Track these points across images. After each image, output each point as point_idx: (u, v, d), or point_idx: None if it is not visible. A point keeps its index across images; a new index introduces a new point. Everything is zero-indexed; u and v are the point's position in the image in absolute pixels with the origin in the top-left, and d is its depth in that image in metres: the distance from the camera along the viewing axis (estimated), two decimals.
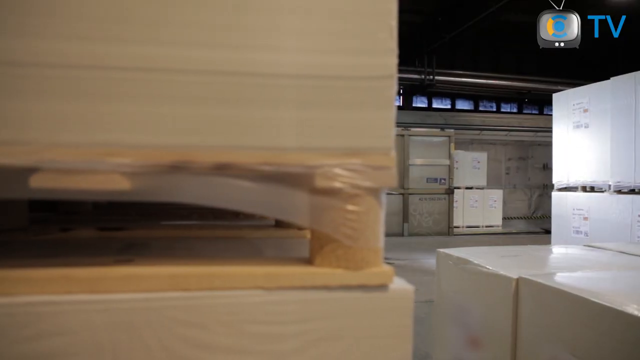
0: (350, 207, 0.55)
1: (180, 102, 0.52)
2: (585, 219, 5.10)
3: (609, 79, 4.86)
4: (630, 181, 4.57)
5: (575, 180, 5.34)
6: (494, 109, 12.94)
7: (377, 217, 0.56)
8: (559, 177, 5.67)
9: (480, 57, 11.84)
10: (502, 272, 1.80)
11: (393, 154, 0.55)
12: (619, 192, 4.74)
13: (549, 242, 5.72)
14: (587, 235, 5.02)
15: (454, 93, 12.43)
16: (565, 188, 5.55)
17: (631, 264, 1.94)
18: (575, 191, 5.37)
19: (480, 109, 12.87)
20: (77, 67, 0.49)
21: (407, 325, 0.57)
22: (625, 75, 4.63)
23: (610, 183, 4.78)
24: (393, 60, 0.55)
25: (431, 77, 10.90)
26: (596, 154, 5.00)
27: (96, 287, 0.51)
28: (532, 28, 10.44)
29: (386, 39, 0.55)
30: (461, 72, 11.24)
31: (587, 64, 10.88)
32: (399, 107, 12.13)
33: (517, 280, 1.72)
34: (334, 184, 0.54)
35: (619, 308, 1.27)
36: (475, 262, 1.98)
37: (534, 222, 12.21)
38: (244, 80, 0.53)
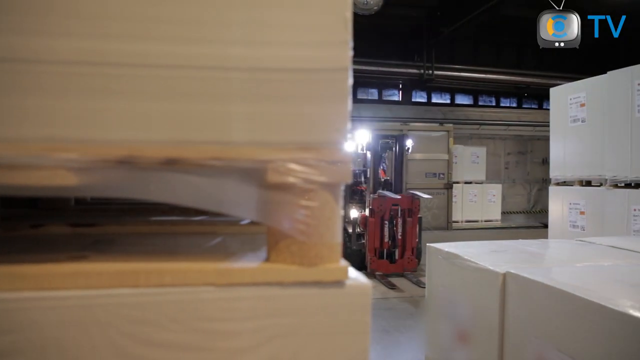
0: (303, 203, 0.54)
1: (127, 96, 0.51)
2: (582, 213, 5.09)
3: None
4: (626, 175, 4.55)
5: (571, 174, 5.32)
6: (493, 104, 12.89)
7: (332, 213, 0.55)
8: (555, 171, 5.64)
9: (480, 52, 11.78)
10: (489, 266, 1.80)
11: (348, 148, 0.54)
12: (615, 186, 4.72)
13: (547, 237, 5.70)
14: (583, 230, 5.00)
15: (453, 88, 12.38)
16: (562, 182, 5.53)
17: (620, 259, 1.93)
18: (571, 185, 5.35)
19: (480, 103, 12.82)
20: (19, 60, 0.48)
21: (365, 322, 0.56)
22: (622, 70, 4.60)
23: (606, 177, 4.76)
24: (347, 52, 0.54)
25: (430, 72, 10.84)
26: (593, 148, 4.97)
27: (44, 284, 0.50)
28: (532, 23, 10.38)
29: (340, 31, 0.54)
30: (460, 66, 11.18)
31: (587, 59, 10.83)
32: (398, 102, 12.10)
33: (504, 275, 1.71)
34: (287, 179, 0.53)
35: (601, 302, 1.26)
36: (464, 256, 1.98)
37: (533, 217, 12.19)
38: (191, 74, 0.52)
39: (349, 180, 0.55)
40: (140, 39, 0.51)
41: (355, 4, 7.93)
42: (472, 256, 1.94)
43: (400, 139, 6.41)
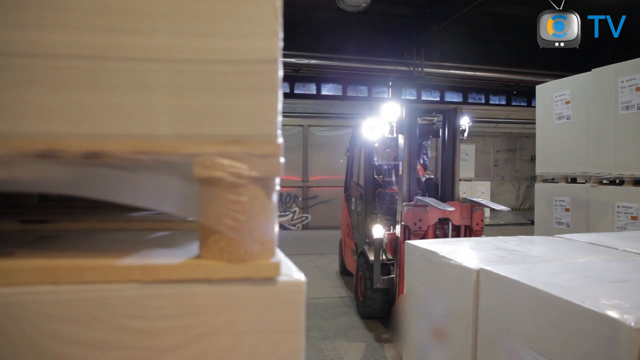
0: (232, 198, 0.52)
1: (47, 88, 0.49)
2: (567, 210, 5.11)
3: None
4: (610, 172, 4.57)
5: (557, 171, 5.34)
6: (483, 101, 12.92)
7: (264, 208, 0.54)
8: (542, 168, 5.67)
9: (470, 49, 11.79)
10: (464, 263, 1.79)
11: (279, 141, 0.53)
12: (600, 182, 4.75)
13: (533, 234, 5.74)
14: (568, 227, 5.03)
15: (442, 85, 12.39)
16: (549, 179, 5.56)
17: (595, 255, 1.94)
18: (557, 182, 5.37)
19: (469, 101, 12.85)
20: None
21: (298, 319, 0.55)
22: (606, 67, 4.62)
23: (591, 174, 4.79)
24: (277, 43, 0.53)
25: (420, 69, 10.85)
26: (578, 146, 5.00)
27: None
28: (521, 20, 10.42)
29: (270, 21, 0.52)
30: (450, 64, 11.18)
31: (576, 57, 10.88)
32: (389, 99, 12.10)
33: (478, 271, 1.71)
34: (214, 173, 0.52)
35: (568, 299, 1.26)
36: (440, 253, 1.97)
37: (522, 214, 12.25)
38: (114, 65, 0.50)
39: (279, 174, 0.53)
40: (60, 28, 0.49)
41: (343, 1, 7.90)
42: (448, 253, 1.93)
43: (450, 115, 4.21)
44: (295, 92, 11.26)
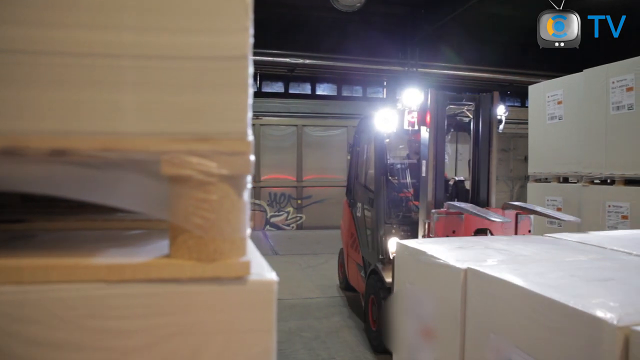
0: (200, 196, 0.52)
1: (9, 85, 0.48)
2: (559, 209, 5.13)
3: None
4: (601, 172, 4.59)
5: (549, 171, 5.37)
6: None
7: (233, 206, 0.54)
8: (534, 168, 5.69)
9: (464, 50, 11.82)
10: (452, 263, 1.79)
11: (249, 139, 0.52)
12: (591, 182, 4.77)
13: None
14: (560, 226, 5.05)
15: (436, 85, 12.42)
16: (542, 179, 5.58)
17: (583, 254, 1.94)
18: (549, 182, 5.39)
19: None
20: None
21: (269, 319, 0.55)
22: (597, 68, 4.64)
23: (582, 174, 4.81)
24: (247, 39, 0.52)
25: (415, 69, 10.86)
26: (569, 145, 5.02)
27: None
28: (515, 21, 10.44)
29: (240, 17, 0.52)
30: (444, 64, 11.21)
31: (569, 57, 10.93)
32: (383, 99, 12.10)
33: (466, 271, 1.71)
34: (182, 171, 0.51)
35: (555, 298, 1.26)
36: (429, 253, 1.97)
37: None
38: (80, 62, 0.49)
39: (250, 172, 0.53)
40: (24, 24, 0.49)
41: (338, 1, 7.90)
42: (437, 252, 1.93)
43: (484, 103, 3.48)
44: (290, 91, 11.25)
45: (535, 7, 9.67)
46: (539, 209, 3.02)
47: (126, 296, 0.51)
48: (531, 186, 5.74)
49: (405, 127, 3.66)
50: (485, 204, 3.37)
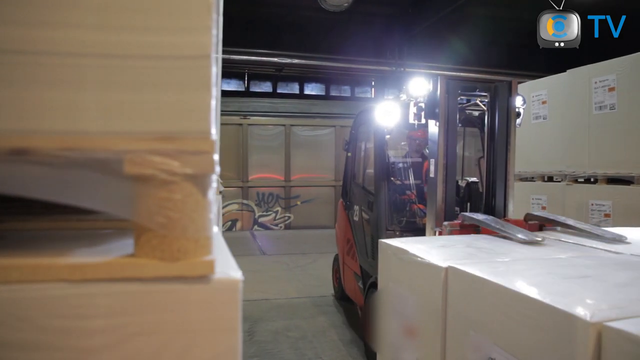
0: (164, 195, 0.52)
1: None
2: (543, 208, 5.19)
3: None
4: (584, 170, 4.66)
5: (534, 170, 5.42)
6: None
7: (197, 205, 0.54)
8: (519, 167, 5.74)
9: (451, 50, 11.89)
10: (433, 261, 1.81)
11: (212, 138, 0.53)
12: (575, 181, 4.83)
13: None
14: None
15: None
16: (527, 178, 5.63)
17: (563, 252, 1.97)
18: (534, 181, 5.45)
19: None
20: None
21: (234, 318, 0.55)
22: (580, 68, 4.70)
23: (566, 173, 4.87)
24: (209, 38, 0.52)
25: (402, 69, 10.91)
26: (554, 145, 5.08)
27: None
28: (502, 22, 10.52)
29: (202, 17, 0.52)
30: (432, 64, 11.27)
31: (555, 57, 11.05)
32: (371, 99, 12.13)
33: (447, 269, 1.72)
34: (145, 170, 0.51)
35: (532, 295, 1.28)
36: (411, 251, 1.98)
37: None
38: (40, 60, 0.49)
39: (214, 171, 0.53)
40: None
41: (325, 1, 7.91)
42: (419, 251, 1.94)
43: (501, 92, 3.11)
44: (278, 91, 11.24)
45: (521, 8, 9.75)
46: (570, 222, 2.37)
47: (88, 296, 0.51)
48: (517, 185, 5.79)
49: (411, 120, 3.10)
50: (502, 211, 2.98)
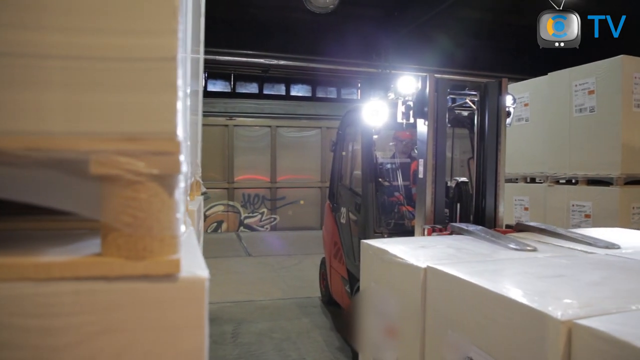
0: (129, 195, 0.52)
1: None
2: (526, 209, 5.26)
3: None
4: (565, 172, 4.73)
5: (517, 171, 5.49)
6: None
7: (163, 205, 0.54)
8: None
9: (436, 52, 11.99)
10: (413, 261, 1.83)
11: (178, 139, 0.53)
12: (556, 182, 4.90)
13: None
14: None
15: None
16: (511, 179, 5.70)
17: (542, 252, 2.00)
18: (517, 182, 5.52)
19: None
20: None
21: (200, 316, 0.56)
22: (561, 71, 4.78)
23: (548, 174, 4.94)
24: (175, 41, 0.53)
25: (388, 70, 10.97)
26: (536, 147, 5.15)
27: None
28: (486, 25, 10.62)
29: (167, 19, 0.53)
30: (417, 66, 11.35)
31: (541, 59, 11.21)
32: (358, 100, 12.18)
33: (426, 269, 1.74)
34: (110, 170, 0.52)
35: (506, 295, 1.30)
36: (392, 252, 2.00)
37: None
38: (2, 62, 0.50)
39: (179, 171, 0.54)
40: None
41: (311, 2, 7.92)
42: (399, 252, 1.96)
43: (491, 91, 3.10)
44: (264, 92, 11.23)
45: (506, 11, 9.86)
46: (560, 230, 2.31)
47: (53, 294, 0.51)
48: None
49: (399, 119, 3.05)
50: (492, 214, 2.93)
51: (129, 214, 0.53)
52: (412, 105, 2.98)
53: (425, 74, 9.73)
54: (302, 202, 10.38)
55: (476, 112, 3.15)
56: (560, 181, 4.86)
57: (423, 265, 1.75)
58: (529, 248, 2.06)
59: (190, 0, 1.13)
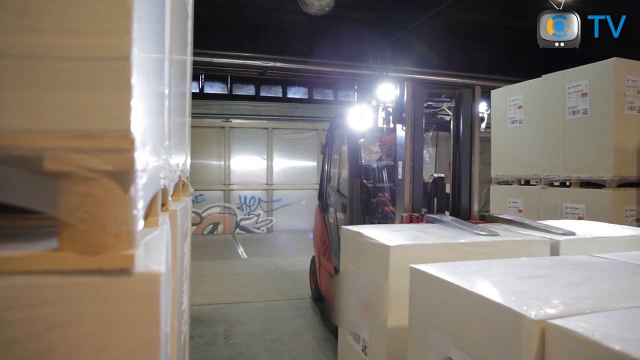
0: (83, 191, 0.54)
1: None
2: (520, 211, 5.27)
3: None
4: (558, 174, 4.74)
5: (511, 174, 5.51)
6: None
7: (118, 201, 0.56)
8: (497, 171, 5.84)
9: (433, 55, 12.03)
10: (382, 241, 1.93)
11: (132, 136, 0.55)
12: (550, 184, 4.91)
13: None
14: None
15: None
16: (504, 182, 5.72)
17: (502, 237, 2.10)
18: (511, 184, 5.53)
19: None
20: None
21: (154, 310, 0.57)
22: (554, 74, 4.79)
23: (541, 176, 4.95)
24: (128, 40, 0.54)
25: (385, 73, 10.99)
26: (530, 149, 5.16)
27: None
28: (482, 27, 10.67)
29: (120, 20, 0.54)
30: (414, 68, 11.38)
31: (535, 62, 11.24)
32: (354, 102, 12.20)
33: (392, 247, 1.89)
34: (65, 167, 0.53)
35: (483, 294, 1.31)
36: (366, 234, 2.12)
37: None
38: None
39: (133, 168, 0.55)
40: None
41: (306, 4, 7.95)
42: (372, 234, 2.11)
43: (465, 98, 3.19)
44: (261, 94, 11.24)
45: (501, 15, 9.89)
46: (527, 221, 2.62)
47: (8, 288, 0.52)
48: (494, 188, 5.88)
49: (380, 125, 3.29)
50: (467, 210, 3.12)
51: (84, 209, 0.54)
52: (391, 111, 3.17)
53: (421, 76, 9.73)
54: (303, 202, 10.40)
55: (452, 117, 3.31)
56: (554, 183, 4.87)
57: (392, 244, 1.89)
58: (490, 234, 2.23)
59: (171, 1, 1.14)
